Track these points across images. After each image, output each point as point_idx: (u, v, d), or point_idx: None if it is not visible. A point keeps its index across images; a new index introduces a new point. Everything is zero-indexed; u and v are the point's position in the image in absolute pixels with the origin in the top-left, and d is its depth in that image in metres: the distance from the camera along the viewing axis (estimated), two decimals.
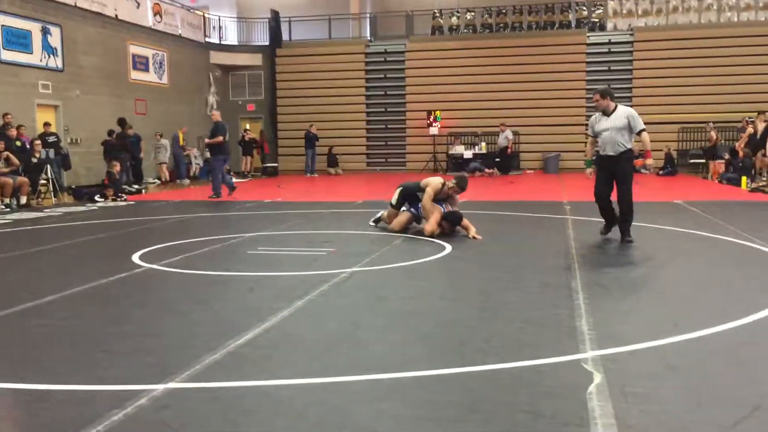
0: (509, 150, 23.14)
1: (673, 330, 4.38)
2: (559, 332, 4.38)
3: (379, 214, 9.67)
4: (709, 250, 7.65)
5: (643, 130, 7.89)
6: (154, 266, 6.86)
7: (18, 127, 15.31)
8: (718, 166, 18.88)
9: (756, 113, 17.34)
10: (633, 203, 7.95)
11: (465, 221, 8.63)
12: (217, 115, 15.56)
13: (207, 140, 15.78)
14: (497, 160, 22.96)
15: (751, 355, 3.96)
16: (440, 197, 8.78)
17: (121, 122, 19.11)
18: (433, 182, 8.80)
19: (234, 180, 21.98)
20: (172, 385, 3.49)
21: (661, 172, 21.33)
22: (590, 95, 23.96)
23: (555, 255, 7.28)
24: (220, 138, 14.81)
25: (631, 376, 3.58)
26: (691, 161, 22.09)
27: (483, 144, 23.71)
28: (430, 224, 8.52)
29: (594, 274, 6.28)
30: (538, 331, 4.45)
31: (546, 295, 5.47)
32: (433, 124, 24.17)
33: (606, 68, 24.18)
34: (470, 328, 4.53)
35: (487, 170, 22.28)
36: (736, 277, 6.18)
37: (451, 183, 8.74)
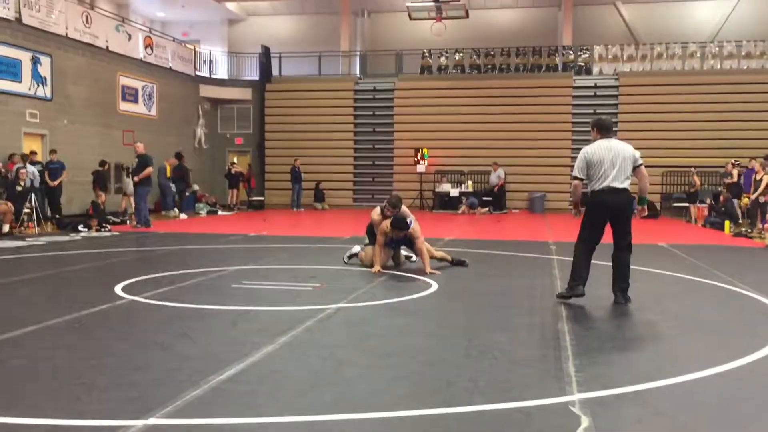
0: (496, 188, 23.32)
1: (659, 374, 4.36)
2: (546, 374, 4.35)
3: (354, 250, 9.63)
4: (694, 294, 7.68)
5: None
6: (137, 298, 6.78)
7: (24, 156, 15.42)
8: (701, 210, 19.09)
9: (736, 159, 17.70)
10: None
11: (421, 246, 8.73)
12: (141, 148, 15.95)
13: (137, 178, 15.82)
14: (487, 198, 23.12)
15: (736, 402, 3.94)
16: (398, 237, 8.88)
17: (179, 156, 21.31)
18: (382, 226, 8.87)
19: (220, 212, 22.05)
20: (152, 420, 3.41)
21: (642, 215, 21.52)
22: (576, 137, 24.52)
23: (541, 295, 7.27)
24: (150, 169, 15.64)
25: (619, 420, 3.55)
26: (675, 205, 22.31)
27: (469, 182, 23.87)
28: (375, 265, 8.76)
29: (580, 315, 6.27)
30: (525, 372, 4.41)
31: (533, 335, 5.45)
32: (421, 162, 24.29)
33: (592, 111, 24.42)
34: (456, 368, 4.49)
35: (475, 209, 22.43)
36: (721, 321, 6.19)
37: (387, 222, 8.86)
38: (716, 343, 5.33)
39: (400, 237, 8.88)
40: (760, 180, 15.42)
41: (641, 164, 6.74)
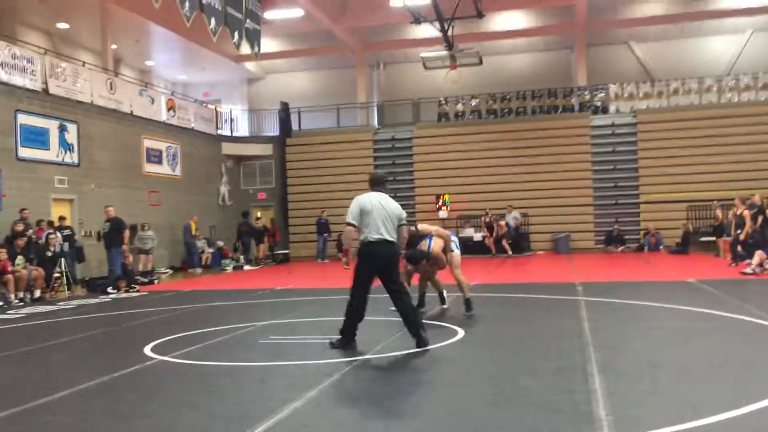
0: (503, 231, 23.28)
1: (692, 414, 4.29)
2: (576, 418, 4.31)
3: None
4: (724, 330, 7.56)
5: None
6: (167, 358, 6.84)
7: (51, 223, 15.71)
8: (728, 244, 18.82)
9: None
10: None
11: (459, 276, 9.15)
12: (112, 212, 15.81)
13: (124, 247, 15.75)
14: (509, 241, 23.13)
15: None
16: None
17: (245, 214, 24.46)
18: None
19: (246, 267, 22.18)
20: None
21: (672, 250, 21.32)
22: (596, 176, 24.52)
23: (569, 337, 7.21)
24: (128, 233, 16.05)
25: None
26: (702, 239, 22.05)
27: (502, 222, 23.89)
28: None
29: (609, 356, 6.21)
30: (554, 417, 4.37)
31: (561, 379, 5.40)
32: (443, 208, 24.38)
33: (611, 150, 24.53)
34: (484, 416, 4.46)
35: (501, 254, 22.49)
36: (752, 357, 6.09)
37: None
38: (748, 380, 5.24)
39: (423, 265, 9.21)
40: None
41: (404, 224, 7.14)
